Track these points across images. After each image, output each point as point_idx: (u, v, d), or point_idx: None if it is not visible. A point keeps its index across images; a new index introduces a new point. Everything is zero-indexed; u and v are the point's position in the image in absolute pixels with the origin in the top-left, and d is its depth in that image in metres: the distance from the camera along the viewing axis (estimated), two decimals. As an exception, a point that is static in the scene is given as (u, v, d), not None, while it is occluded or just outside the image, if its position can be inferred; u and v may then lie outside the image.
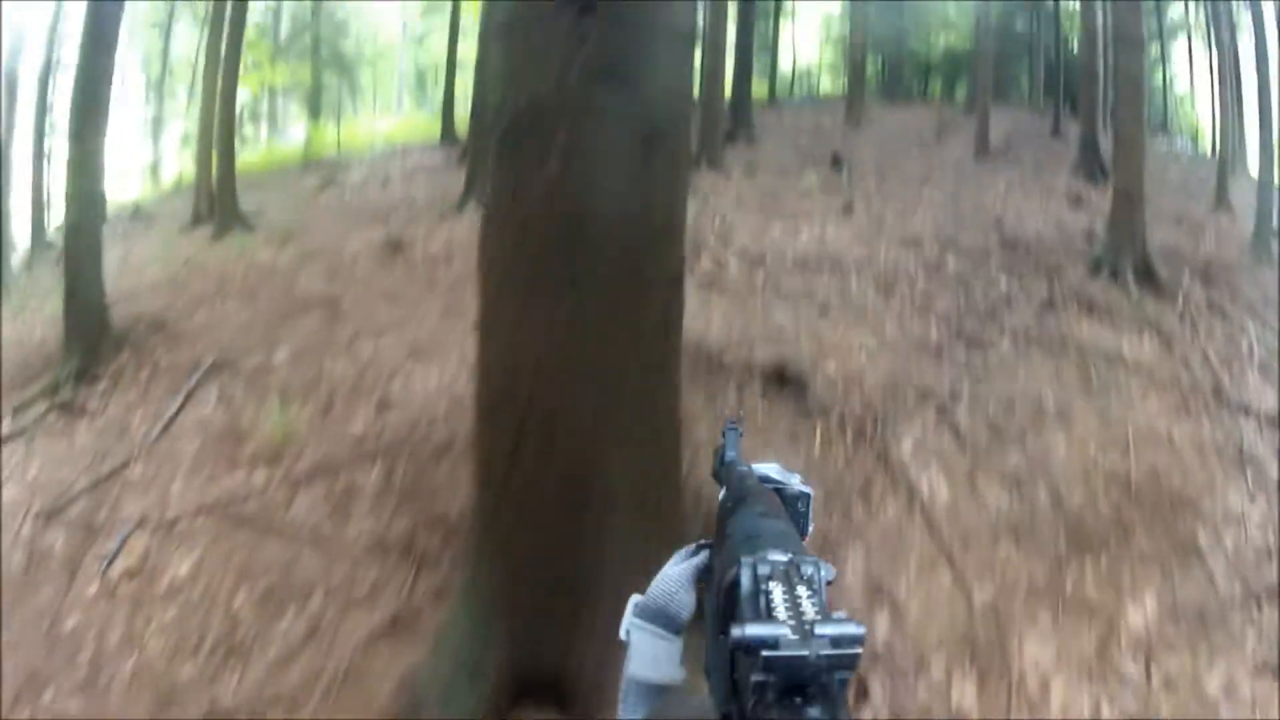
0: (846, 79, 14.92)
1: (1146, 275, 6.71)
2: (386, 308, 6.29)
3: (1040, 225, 8.15)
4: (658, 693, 0.53)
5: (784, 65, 17.97)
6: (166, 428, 5.04)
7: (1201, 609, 3.36)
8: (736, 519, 0.55)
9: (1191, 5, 14.21)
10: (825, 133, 12.17)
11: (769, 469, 0.66)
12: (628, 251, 2.27)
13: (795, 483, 0.65)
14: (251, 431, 4.76)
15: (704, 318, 5.29)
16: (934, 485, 3.96)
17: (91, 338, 6.04)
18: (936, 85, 17.78)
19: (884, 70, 16.98)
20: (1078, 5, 12.57)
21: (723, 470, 0.71)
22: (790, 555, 0.44)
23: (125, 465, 4.65)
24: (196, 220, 9.91)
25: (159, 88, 13.97)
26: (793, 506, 0.63)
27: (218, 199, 9.53)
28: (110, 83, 6.47)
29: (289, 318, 6.39)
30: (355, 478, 4.23)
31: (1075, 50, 14.05)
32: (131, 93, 13.28)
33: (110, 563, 3.76)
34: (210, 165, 9.87)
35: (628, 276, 2.28)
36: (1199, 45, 14.20)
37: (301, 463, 4.44)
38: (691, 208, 8.04)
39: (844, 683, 0.36)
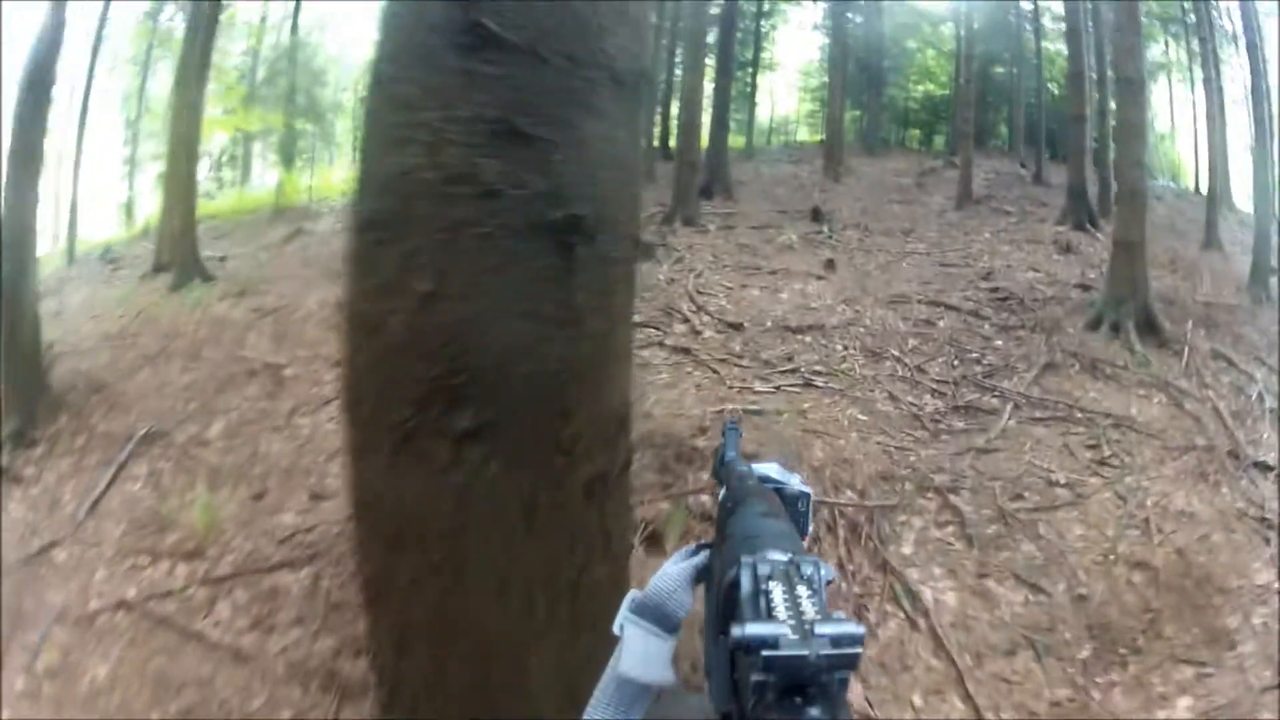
0: (825, 129, 14.87)
1: (1149, 328, 6.43)
2: (333, 376, 5.85)
3: (1031, 276, 7.94)
4: (645, 693, 0.51)
5: (761, 115, 18.00)
6: (95, 505, 4.84)
7: (1235, 703, 3.09)
8: (736, 519, 0.56)
9: (1171, 44, 14.35)
10: (804, 184, 12.08)
11: (769, 469, 0.67)
12: (540, 394, 1.53)
13: (795, 483, 0.66)
14: (177, 518, 4.46)
15: (676, 393, 4.95)
16: (939, 590, 3.52)
17: (30, 399, 5.85)
18: (915, 134, 17.84)
19: (863, 119, 16.98)
20: (1063, 49, 12.52)
21: (722, 470, 0.72)
22: (790, 555, 0.44)
23: (53, 545, 4.48)
24: (158, 267, 9.56)
25: (135, 126, 13.69)
26: (793, 506, 0.63)
27: (178, 248, 9.24)
28: (44, 131, 6.26)
29: (231, 383, 6.06)
30: (281, 581, 3.89)
31: (1056, 96, 14.08)
32: (110, 130, 13.04)
33: (35, 657, 3.60)
34: (175, 211, 9.57)
35: (543, 426, 1.55)
36: (1178, 84, 14.36)
37: (226, 558, 4.13)
38: (665, 268, 7.77)
39: (844, 682, 0.36)
